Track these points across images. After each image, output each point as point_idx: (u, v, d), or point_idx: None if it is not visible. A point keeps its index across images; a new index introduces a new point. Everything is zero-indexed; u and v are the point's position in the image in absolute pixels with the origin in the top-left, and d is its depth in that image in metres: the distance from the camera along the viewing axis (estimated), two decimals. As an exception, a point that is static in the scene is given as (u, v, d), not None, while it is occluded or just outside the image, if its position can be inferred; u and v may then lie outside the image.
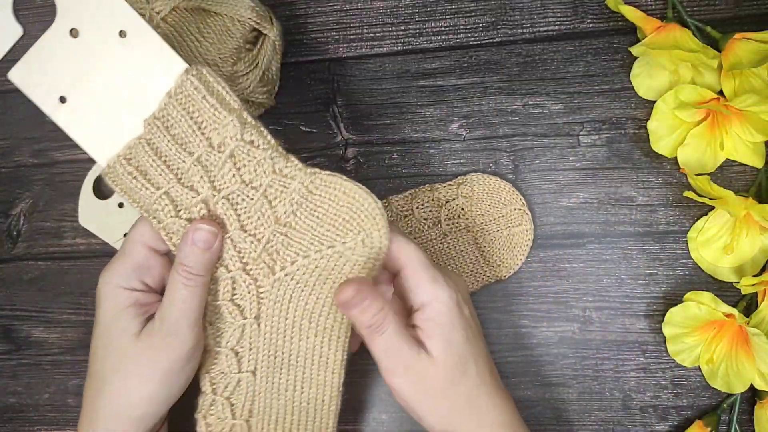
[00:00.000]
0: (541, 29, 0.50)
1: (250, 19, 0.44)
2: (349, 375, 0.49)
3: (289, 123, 0.52)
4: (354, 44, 0.52)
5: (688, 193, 0.46)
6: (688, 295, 0.46)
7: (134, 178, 0.36)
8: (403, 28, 0.52)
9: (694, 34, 0.46)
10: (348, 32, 0.52)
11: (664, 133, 0.47)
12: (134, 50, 0.35)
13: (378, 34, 0.52)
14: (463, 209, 0.48)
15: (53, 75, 0.37)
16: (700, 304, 0.44)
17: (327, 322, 0.37)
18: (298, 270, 0.36)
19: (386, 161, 0.51)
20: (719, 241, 0.46)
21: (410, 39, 0.51)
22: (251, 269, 0.37)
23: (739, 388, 0.44)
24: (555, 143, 0.49)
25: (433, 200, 0.49)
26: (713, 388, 0.46)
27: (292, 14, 0.53)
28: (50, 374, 0.52)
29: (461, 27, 0.51)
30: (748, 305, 0.46)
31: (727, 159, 0.47)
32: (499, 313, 0.48)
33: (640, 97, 0.48)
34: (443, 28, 0.51)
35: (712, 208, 0.47)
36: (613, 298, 0.48)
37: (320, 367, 0.38)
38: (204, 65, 0.36)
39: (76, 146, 0.54)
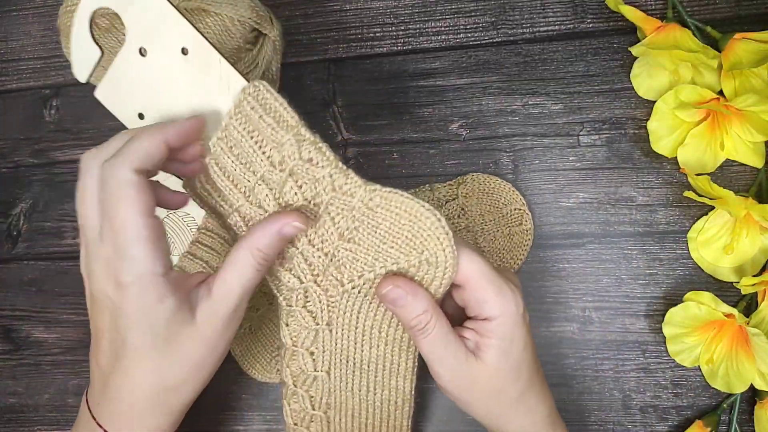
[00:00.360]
0: (541, 29, 0.50)
1: (249, 19, 0.44)
2: (349, 375, 0.50)
3: (288, 123, 0.52)
4: (354, 44, 0.52)
5: (688, 193, 0.46)
6: (688, 295, 0.46)
7: (210, 195, 0.37)
8: (402, 28, 0.52)
9: (694, 34, 0.45)
10: (348, 32, 0.52)
11: (664, 133, 0.47)
12: (195, 67, 0.36)
13: (378, 34, 0.52)
14: (463, 209, 0.48)
15: (130, 93, 0.38)
16: (700, 304, 0.44)
17: (396, 333, 0.38)
18: (364, 284, 0.37)
19: (386, 161, 0.51)
20: (719, 241, 0.46)
21: (410, 39, 0.51)
22: (321, 281, 0.37)
23: (739, 388, 0.44)
24: (555, 143, 0.49)
25: (433, 200, 0.49)
26: (713, 388, 0.46)
27: (292, 14, 0.53)
28: (50, 374, 0.52)
29: (461, 27, 0.51)
30: (748, 305, 0.46)
31: (727, 159, 0.47)
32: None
33: (640, 97, 0.48)
34: (443, 28, 0.51)
35: (712, 208, 0.47)
36: (612, 298, 0.48)
37: (391, 373, 0.39)
38: (262, 81, 0.35)
39: (75, 146, 0.54)
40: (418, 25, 0.51)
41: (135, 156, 0.32)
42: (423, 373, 0.49)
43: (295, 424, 0.41)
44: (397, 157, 0.51)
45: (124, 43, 0.36)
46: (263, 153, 0.35)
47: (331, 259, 0.36)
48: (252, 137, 0.35)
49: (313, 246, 0.36)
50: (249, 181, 0.36)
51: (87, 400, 0.36)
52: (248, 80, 0.36)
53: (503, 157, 0.49)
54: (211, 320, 0.33)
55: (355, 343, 0.38)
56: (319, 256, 0.36)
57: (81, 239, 0.33)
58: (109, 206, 0.31)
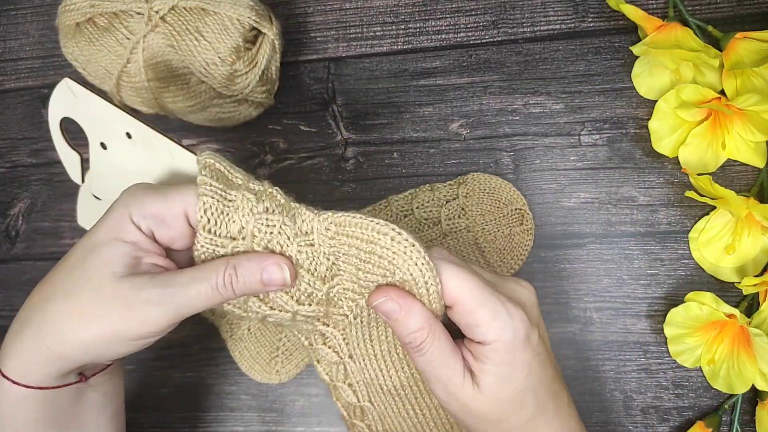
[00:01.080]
0: (542, 28, 0.50)
1: (249, 18, 0.44)
2: (349, 376, 0.49)
3: (288, 123, 0.52)
4: (354, 43, 0.52)
5: (689, 193, 0.46)
6: (689, 295, 0.45)
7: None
8: (403, 27, 0.51)
9: (695, 34, 0.45)
10: (347, 31, 0.52)
11: (666, 132, 0.47)
12: (141, 147, 0.37)
13: (378, 33, 0.52)
14: (463, 209, 0.48)
15: (111, 185, 0.40)
16: (702, 305, 0.44)
17: None
18: (362, 311, 0.35)
19: (386, 161, 0.51)
20: (721, 241, 0.46)
21: (410, 38, 0.51)
22: (328, 322, 0.37)
23: (741, 389, 0.44)
24: (556, 143, 0.49)
25: (433, 200, 0.48)
26: (714, 389, 0.46)
27: (292, 13, 0.52)
28: (49, 375, 0.52)
29: (461, 26, 0.51)
30: (750, 305, 0.46)
31: (728, 159, 0.47)
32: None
33: (641, 97, 0.48)
34: (443, 27, 0.51)
35: (714, 208, 0.47)
36: (614, 298, 0.48)
37: (428, 392, 0.37)
38: (205, 153, 0.34)
39: (73, 145, 0.54)
40: (418, 24, 0.51)
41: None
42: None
43: None
44: (397, 157, 0.50)
45: (89, 142, 0.39)
46: (226, 224, 0.33)
47: (327, 302, 0.35)
48: (214, 211, 0.32)
49: (302, 304, 0.35)
50: (226, 247, 0.33)
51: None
52: (192, 151, 0.36)
53: (504, 157, 0.49)
54: (134, 299, 0.31)
55: (380, 370, 0.37)
56: (314, 309, 0.35)
57: None
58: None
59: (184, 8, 0.44)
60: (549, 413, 0.34)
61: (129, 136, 0.38)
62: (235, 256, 0.32)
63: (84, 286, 0.31)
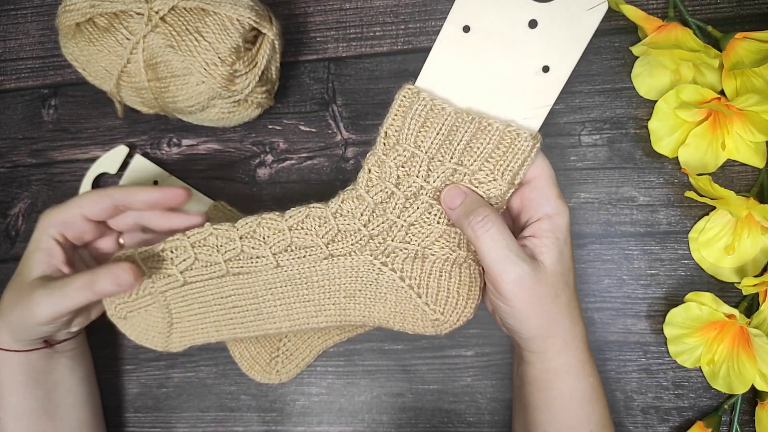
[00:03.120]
0: (542, 28, 0.50)
1: (249, 18, 0.44)
2: (348, 376, 0.50)
3: (288, 123, 0.52)
4: (354, 43, 0.52)
5: (689, 194, 0.46)
6: (689, 295, 0.45)
7: None
8: (403, 27, 0.51)
9: (695, 34, 0.45)
10: (347, 31, 0.52)
11: (666, 132, 0.47)
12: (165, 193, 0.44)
13: (378, 33, 0.52)
14: None
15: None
16: (702, 305, 0.44)
17: None
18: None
19: (386, 161, 0.51)
20: (720, 241, 0.46)
21: (410, 38, 0.51)
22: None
23: (741, 389, 0.44)
24: (556, 143, 0.49)
25: None
26: (714, 389, 0.46)
27: (292, 13, 0.52)
28: (49, 375, 0.52)
29: (461, 26, 0.51)
30: (750, 306, 0.46)
31: (728, 159, 0.47)
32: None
33: (641, 97, 0.48)
34: (443, 28, 0.51)
35: (714, 208, 0.47)
36: (614, 298, 0.48)
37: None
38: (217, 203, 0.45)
39: (74, 146, 0.54)
40: (418, 24, 0.51)
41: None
42: (419, 375, 0.49)
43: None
44: (397, 157, 0.50)
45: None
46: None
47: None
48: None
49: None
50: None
51: None
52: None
53: (504, 157, 0.49)
54: (28, 295, 0.41)
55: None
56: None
57: None
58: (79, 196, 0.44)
59: (184, 8, 0.44)
60: (577, 301, 0.39)
61: (155, 182, 0.43)
62: (96, 269, 0.41)
63: (17, 285, 0.43)
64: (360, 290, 0.41)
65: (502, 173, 0.37)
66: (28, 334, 0.43)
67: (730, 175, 0.48)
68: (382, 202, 0.39)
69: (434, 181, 0.38)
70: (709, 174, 0.46)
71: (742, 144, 0.46)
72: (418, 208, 0.39)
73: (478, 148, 0.37)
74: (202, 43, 0.43)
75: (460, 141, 0.37)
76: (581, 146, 0.49)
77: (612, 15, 0.49)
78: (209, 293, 0.43)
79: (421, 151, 0.37)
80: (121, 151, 0.52)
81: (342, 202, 0.40)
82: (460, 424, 0.48)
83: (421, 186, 0.38)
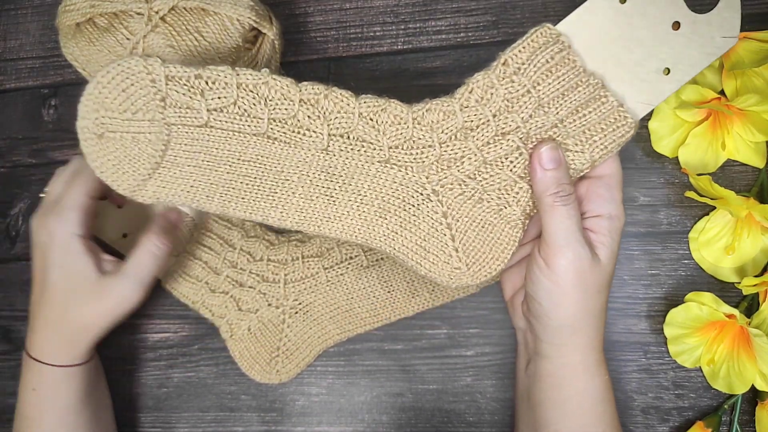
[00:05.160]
0: (542, 28, 0.50)
1: (249, 18, 0.44)
2: (348, 376, 0.49)
3: (288, 123, 0.52)
4: (354, 43, 0.52)
5: (689, 194, 0.46)
6: (689, 295, 0.45)
7: None
8: (403, 27, 0.51)
9: (695, 34, 0.45)
10: (348, 31, 0.52)
11: (666, 132, 0.47)
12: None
13: (378, 33, 0.52)
14: None
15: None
16: (702, 305, 0.44)
17: None
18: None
19: (386, 161, 0.51)
20: (721, 241, 0.46)
21: (410, 38, 0.51)
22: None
23: (741, 389, 0.44)
24: (556, 143, 0.49)
25: None
26: (714, 389, 0.46)
27: (292, 13, 0.52)
28: (49, 375, 0.52)
29: (462, 26, 0.51)
30: (750, 306, 0.46)
31: (728, 159, 0.47)
32: (501, 313, 0.48)
33: (642, 97, 0.48)
34: (444, 27, 0.51)
35: (714, 208, 0.47)
36: (615, 298, 0.48)
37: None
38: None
39: (74, 146, 0.54)
40: (418, 24, 0.51)
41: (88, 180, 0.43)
42: (418, 375, 0.49)
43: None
44: (398, 157, 0.50)
45: None
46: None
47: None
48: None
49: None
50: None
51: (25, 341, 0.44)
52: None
53: (504, 157, 0.49)
54: (116, 286, 0.42)
55: None
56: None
57: (41, 203, 0.44)
58: (69, 184, 0.43)
59: (184, 8, 0.44)
60: (606, 306, 0.39)
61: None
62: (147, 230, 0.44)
63: (55, 297, 0.43)
64: (395, 210, 0.38)
65: (592, 148, 0.37)
66: (88, 341, 0.43)
67: (730, 175, 0.48)
68: (469, 128, 0.37)
69: (531, 129, 0.37)
70: (709, 174, 0.46)
71: (742, 144, 0.46)
72: (503, 147, 0.37)
73: (586, 114, 0.37)
74: (202, 43, 0.43)
75: (575, 100, 0.36)
76: (581, 146, 0.49)
77: (612, 15, 0.49)
78: (227, 148, 0.36)
79: (536, 92, 0.36)
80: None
81: (427, 111, 0.37)
82: (460, 424, 0.48)
83: (518, 126, 0.37)
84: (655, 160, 0.48)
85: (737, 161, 0.47)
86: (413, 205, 0.38)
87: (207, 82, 0.35)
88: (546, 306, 0.37)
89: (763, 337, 0.42)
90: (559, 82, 0.36)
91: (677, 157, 0.47)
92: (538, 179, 0.37)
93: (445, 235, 0.38)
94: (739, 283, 0.45)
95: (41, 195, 0.45)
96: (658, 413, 0.47)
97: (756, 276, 0.45)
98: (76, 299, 0.42)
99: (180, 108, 0.35)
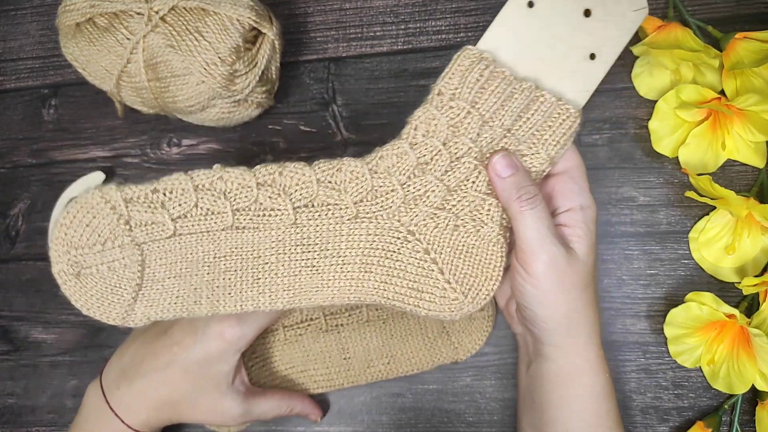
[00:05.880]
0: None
1: (249, 18, 0.44)
2: (349, 376, 0.49)
3: (288, 123, 0.52)
4: (354, 43, 0.52)
5: (689, 193, 0.46)
6: (689, 295, 0.45)
7: None
8: (403, 27, 0.51)
9: (695, 34, 0.45)
10: (347, 31, 0.52)
11: (666, 132, 0.47)
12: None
13: (378, 33, 0.52)
14: None
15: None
16: (702, 305, 0.44)
17: None
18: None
19: (386, 161, 0.51)
20: (721, 241, 0.46)
21: (410, 38, 0.51)
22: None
23: (741, 389, 0.44)
24: (555, 143, 0.49)
25: None
26: (714, 389, 0.45)
27: (292, 13, 0.52)
28: (48, 375, 0.52)
29: (461, 26, 0.51)
30: (750, 306, 0.46)
31: (728, 159, 0.47)
32: (500, 314, 0.48)
33: (641, 97, 0.48)
34: (443, 27, 0.51)
35: (714, 208, 0.47)
36: (614, 298, 0.48)
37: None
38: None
39: (73, 146, 0.54)
40: (418, 24, 0.51)
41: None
42: (418, 375, 0.49)
43: None
44: (397, 157, 0.50)
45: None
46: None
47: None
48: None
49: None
50: None
51: (101, 382, 0.43)
52: None
53: (504, 157, 0.49)
54: (235, 403, 0.43)
55: None
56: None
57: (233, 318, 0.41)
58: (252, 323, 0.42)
59: (184, 8, 0.44)
60: (597, 296, 0.39)
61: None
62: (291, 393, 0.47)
63: (215, 397, 0.43)
64: (379, 261, 0.38)
65: (546, 146, 0.38)
66: (169, 423, 0.43)
67: (730, 175, 0.48)
68: (424, 162, 0.38)
69: (483, 145, 0.38)
70: (709, 174, 0.46)
71: (742, 144, 0.46)
72: (461, 171, 0.38)
73: (529, 117, 0.38)
74: (202, 43, 0.43)
75: (515, 108, 0.37)
76: (581, 146, 0.49)
77: (612, 15, 0.49)
78: (201, 250, 0.36)
79: (476, 110, 0.37)
80: (96, 177, 0.51)
81: (380, 158, 0.38)
82: (459, 424, 0.48)
83: (470, 147, 0.37)
84: (654, 160, 0.48)
85: (737, 161, 0.47)
86: (394, 251, 0.38)
87: (164, 194, 0.36)
88: (536, 311, 0.37)
89: (763, 337, 0.42)
90: (494, 96, 0.37)
91: (677, 157, 0.47)
92: (500, 189, 0.37)
93: (433, 270, 0.38)
94: (739, 283, 0.45)
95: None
96: (658, 413, 0.47)
97: (756, 276, 0.45)
98: (196, 395, 0.42)
99: (145, 225, 0.36)
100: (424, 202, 0.38)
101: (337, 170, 0.37)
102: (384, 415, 0.49)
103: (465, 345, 0.47)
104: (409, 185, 0.38)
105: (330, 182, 0.37)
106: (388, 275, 0.38)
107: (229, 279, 0.37)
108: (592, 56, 0.39)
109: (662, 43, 0.44)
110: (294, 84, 0.52)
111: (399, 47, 0.51)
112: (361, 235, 0.38)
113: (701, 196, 0.45)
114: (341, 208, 0.37)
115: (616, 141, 0.48)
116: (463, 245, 0.38)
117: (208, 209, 0.36)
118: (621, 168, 0.48)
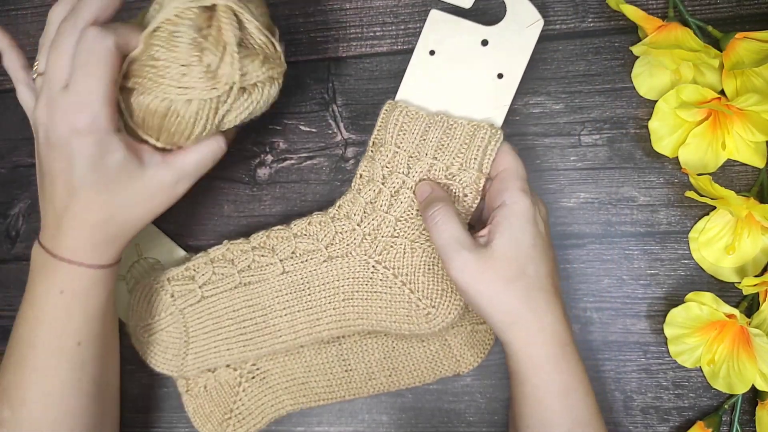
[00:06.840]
0: (542, 28, 0.50)
1: (188, 6, 0.38)
2: (349, 376, 0.49)
3: (288, 123, 0.52)
4: (354, 43, 0.52)
5: (689, 193, 0.46)
6: (689, 295, 0.45)
7: None
8: (402, 27, 0.51)
9: (695, 34, 0.45)
10: (347, 31, 0.52)
11: (666, 132, 0.47)
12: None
13: (378, 33, 0.52)
14: None
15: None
16: (702, 305, 0.44)
17: None
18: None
19: (386, 161, 0.51)
20: (721, 241, 0.46)
21: (410, 38, 0.51)
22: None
23: (741, 389, 0.44)
24: (556, 143, 0.49)
25: None
26: (715, 389, 0.46)
27: (292, 13, 0.52)
28: (49, 375, 0.52)
29: (461, 26, 0.51)
30: (750, 306, 0.46)
31: (728, 159, 0.47)
32: (500, 313, 0.48)
33: (642, 97, 0.48)
34: (443, 28, 0.51)
35: (714, 208, 0.47)
36: (614, 298, 0.48)
37: None
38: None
39: (74, 146, 0.54)
40: (418, 24, 0.51)
41: (119, 32, 0.37)
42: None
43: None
44: (397, 157, 0.50)
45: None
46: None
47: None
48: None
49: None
50: None
51: (40, 243, 0.41)
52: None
53: (504, 157, 0.49)
54: (157, 175, 0.40)
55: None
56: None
57: (43, 87, 0.38)
58: (86, 68, 0.36)
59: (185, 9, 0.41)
60: (546, 292, 0.39)
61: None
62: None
63: (82, 184, 0.38)
64: (357, 291, 0.44)
65: (470, 162, 0.42)
66: (127, 238, 0.41)
67: (730, 175, 0.48)
68: (372, 201, 0.43)
69: (415, 176, 0.42)
70: (709, 174, 0.46)
71: (742, 144, 0.46)
72: (402, 202, 0.43)
73: (449, 143, 0.42)
74: (158, 64, 0.38)
75: (433, 139, 0.42)
76: (581, 146, 0.49)
77: (612, 15, 0.49)
78: (221, 306, 0.46)
79: (402, 149, 0.42)
80: None
81: (339, 207, 0.45)
82: (460, 424, 0.48)
83: (404, 181, 0.43)
84: (654, 160, 0.48)
85: (737, 161, 0.47)
86: (368, 281, 0.44)
87: (193, 269, 0.47)
88: (476, 311, 0.39)
89: (763, 337, 0.42)
90: (413, 134, 0.42)
91: (677, 157, 0.47)
92: (420, 210, 0.42)
93: (404, 292, 0.44)
94: (739, 283, 0.45)
95: (33, 75, 0.41)
96: (658, 413, 0.47)
97: (756, 276, 0.45)
98: (119, 196, 0.39)
99: (183, 295, 0.46)
100: (380, 234, 0.44)
101: (308, 223, 0.45)
102: (384, 415, 0.49)
103: (467, 358, 0.47)
104: (364, 222, 0.44)
105: (305, 234, 0.45)
106: (367, 301, 0.44)
107: (247, 327, 0.46)
108: (500, 75, 0.43)
109: (662, 43, 0.44)
110: (294, 84, 0.52)
111: (399, 47, 0.51)
112: (338, 271, 0.45)
113: (701, 196, 0.45)
114: (317, 252, 0.45)
115: (616, 141, 0.48)
116: (424, 263, 0.43)
117: (222, 274, 0.46)
118: (621, 168, 0.48)
